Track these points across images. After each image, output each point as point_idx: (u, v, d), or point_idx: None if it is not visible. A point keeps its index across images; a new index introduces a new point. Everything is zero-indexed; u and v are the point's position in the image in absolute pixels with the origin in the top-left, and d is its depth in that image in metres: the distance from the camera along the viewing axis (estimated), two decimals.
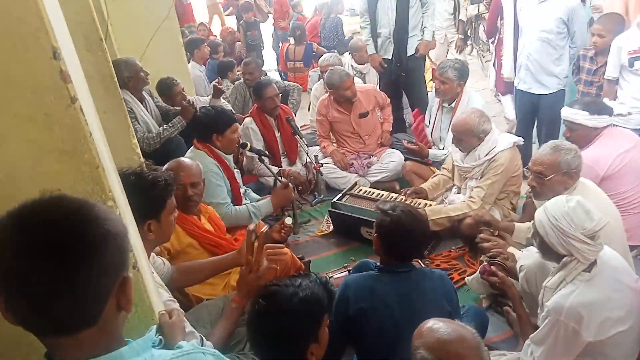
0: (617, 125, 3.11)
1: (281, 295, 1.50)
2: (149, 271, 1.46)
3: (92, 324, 0.81)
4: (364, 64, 5.02)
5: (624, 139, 2.76)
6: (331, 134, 4.24)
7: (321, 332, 1.52)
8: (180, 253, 2.33)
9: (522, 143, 3.12)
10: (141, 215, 1.72)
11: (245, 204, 3.01)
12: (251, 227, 2.14)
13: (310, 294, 1.50)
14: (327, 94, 4.13)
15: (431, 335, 1.33)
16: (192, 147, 3.02)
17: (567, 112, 2.79)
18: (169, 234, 1.95)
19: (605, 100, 2.96)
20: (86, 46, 2.17)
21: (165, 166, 2.40)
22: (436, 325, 1.34)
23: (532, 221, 2.02)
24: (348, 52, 5.27)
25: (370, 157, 4.09)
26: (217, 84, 4.52)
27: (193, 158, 2.84)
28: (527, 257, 2.26)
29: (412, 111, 4.62)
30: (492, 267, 2.40)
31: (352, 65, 5.14)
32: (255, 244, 2.00)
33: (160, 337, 0.94)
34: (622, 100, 3.19)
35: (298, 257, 2.78)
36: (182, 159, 2.57)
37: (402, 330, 1.86)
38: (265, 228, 2.38)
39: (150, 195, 1.81)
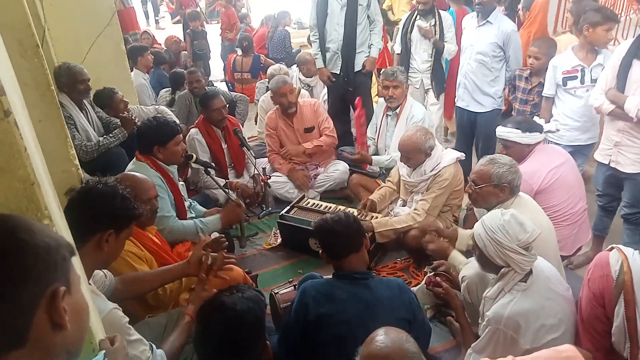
0: (551, 142, 3.32)
1: (230, 300, 1.56)
2: (87, 292, 1.38)
3: (19, 344, 0.76)
4: (311, 77, 5.08)
5: (555, 155, 2.94)
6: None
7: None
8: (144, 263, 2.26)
9: (464, 158, 3.25)
10: (102, 225, 1.67)
11: (192, 219, 2.93)
12: (201, 236, 2.15)
13: (252, 293, 1.61)
14: (275, 107, 4.14)
15: (367, 344, 1.39)
16: (135, 158, 2.92)
17: (501, 131, 2.95)
18: (117, 255, 1.87)
19: (536, 118, 3.13)
20: (21, 52, 2.05)
21: (117, 179, 2.30)
22: (377, 336, 1.38)
23: (472, 234, 2.11)
24: (295, 65, 5.32)
25: (317, 168, 4.13)
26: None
27: (135, 170, 2.74)
28: (469, 268, 2.35)
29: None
30: (436, 278, 2.47)
31: (299, 78, 5.18)
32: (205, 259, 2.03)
33: None
34: (556, 117, 3.41)
35: (245, 271, 2.74)
36: (135, 174, 2.46)
37: (359, 337, 1.87)
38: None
39: (122, 206, 1.75)
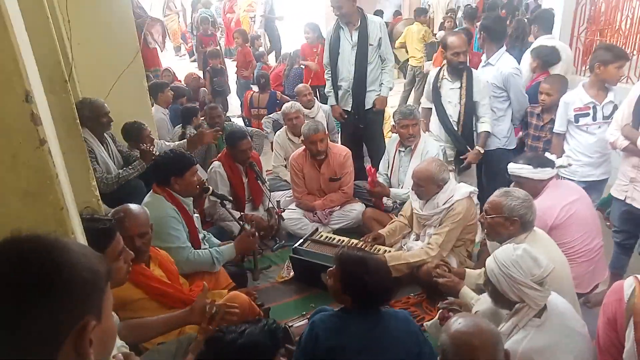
0: (564, 178, 3.32)
1: (220, 342, 1.54)
2: None
3: None
4: (310, 108, 5.18)
5: (569, 191, 2.93)
6: None
7: None
8: (127, 303, 2.22)
9: (477, 193, 3.27)
10: None
11: (208, 249, 2.96)
12: (206, 286, 2.16)
13: (249, 342, 1.53)
14: (302, 148, 4.16)
15: (452, 326, 1.54)
16: (151, 191, 2.98)
17: (513, 168, 2.96)
18: (124, 277, 1.89)
19: (547, 154, 3.15)
20: (50, 88, 2.17)
21: (111, 213, 2.31)
22: (460, 319, 1.57)
23: (484, 269, 2.11)
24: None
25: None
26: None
27: (151, 202, 2.82)
28: (481, 304, 2.33)
29: (371, 161, 4.76)
30: (449, 313, 2.45)
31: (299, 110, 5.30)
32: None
33: None
34: (568, 153, 3.42)
35: (257, 304, 2.75)
36: (130, 206, 2.40)
37: None
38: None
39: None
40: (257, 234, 3.46)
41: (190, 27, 12.42)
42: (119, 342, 1.72)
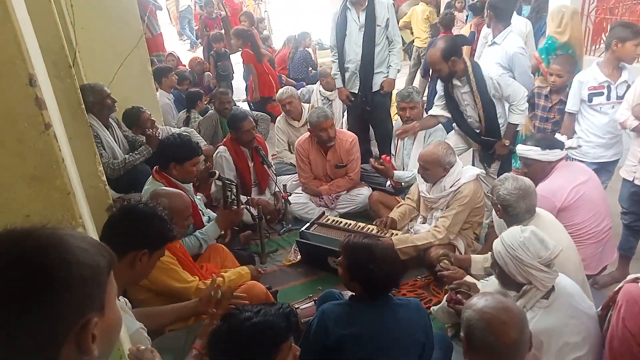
0: (574, 159, 3.28)
1: (236, 319, 1.56)
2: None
3: None
4: (331, 91, 5.15)
5: (579, 172, 2.90)
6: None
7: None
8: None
9: (485, 175, 3.24)
10: (138, 244, 1.72)
11: (193, 234, 2.95)
12: (218, 279, 2.21)
13: (264, 321, 1.55)
14: (307, 134, 4.14)
15: (479, 301, 1.56)
16: (150, 177, 2.99)
17: (521, 149, 2.92)
18: (147, 274, 1.92)
19: (557, 135, 3.10)
20: (55, 73, 2.17)
21: (149, 196, 2.39)
22: (485, 297, 1.59)
23: (491, 252, 2.10)
24: (318, 82, 5.42)
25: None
26: None
27: (150, 189, 2.81)
28: (489, 286, 2.33)
29: (377, 144, 4.73)
30: (458, 295, 2.45)
31: (319, 91, 5.27)
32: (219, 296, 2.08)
33: None
34: (579, 134, 3.37)
35: (265, 287, 2.77)
36: (174, 191, 2.58)
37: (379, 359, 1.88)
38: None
39: (159, 228, 1.81)
40: (264, 218, 3.47)
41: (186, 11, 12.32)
42: (137, 324, 1.73)
